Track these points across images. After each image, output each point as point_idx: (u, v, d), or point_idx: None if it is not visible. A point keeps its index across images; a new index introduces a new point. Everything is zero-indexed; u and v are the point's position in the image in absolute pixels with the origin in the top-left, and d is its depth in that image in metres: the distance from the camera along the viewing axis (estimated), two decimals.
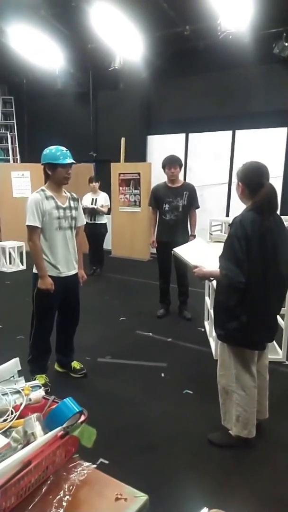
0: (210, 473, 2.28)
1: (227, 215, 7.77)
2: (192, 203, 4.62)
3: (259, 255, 2.19)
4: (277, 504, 2.07)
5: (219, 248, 2.78)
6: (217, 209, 7.79)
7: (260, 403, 2.54)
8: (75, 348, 3.42)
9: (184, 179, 7.37)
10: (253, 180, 2.28)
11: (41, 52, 7.82)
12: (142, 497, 1.13)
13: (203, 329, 4.41)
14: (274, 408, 2.68)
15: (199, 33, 6.84)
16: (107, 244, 8.44)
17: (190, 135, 8.15)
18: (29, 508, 1.11)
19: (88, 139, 8.97)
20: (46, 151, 2.97)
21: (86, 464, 1.28)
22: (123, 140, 8.23)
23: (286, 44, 6.49)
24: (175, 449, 2.49)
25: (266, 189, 2.22)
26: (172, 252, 2.80)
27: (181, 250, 2.80)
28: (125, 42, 7.08)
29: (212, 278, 2.56)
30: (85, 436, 1.29)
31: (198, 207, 4.70)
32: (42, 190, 2.99)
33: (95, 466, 1.29)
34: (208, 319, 4.30)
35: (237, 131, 7.63)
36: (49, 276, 2.98)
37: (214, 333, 3.79)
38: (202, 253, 2.86)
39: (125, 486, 1.19)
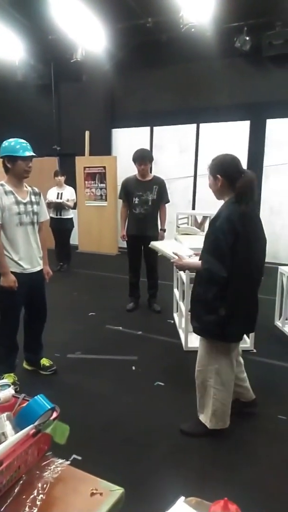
0: (186, 463, 2.31)
1: (193, 208, 7.85)
2: (162, 197, 4.63)
3: (244, 249, 2.18)
4: (253, 490, 2.11)
5: (191, 245, 2.84)
6: (183, 202, 7.85)
7: (241, 386, 2.63)
8: (43, 345, 3.35)
9: (150, 172, 7.37)
10: (231, 170, 2.29)
11: None
12: (117, 491, 1.12)
13: (172, 321, 4.44)
14: None
15: (162, 26, 6.81)
16: (74, 239, 8.34)
17: (155, 128, 8.14)
18: (1, 510, 1.07)
19: (51, 132, 8.79)
20: (5, 143, 2.87)
21: (60, 461, 1.26)
22: (87, 133, 8.12)
23: (247, 38, 6.59)
24: (149, 441, 2.50)
25: (247, 176, 2.25)
26: (149, 245, 2.80)
27: (158, 244, 2.84)
28: (87, 33, 6.95)
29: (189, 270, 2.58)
30: (58, 433, 1.26)
31: (168, 201, 4.71)
32: (1, 184, 2.90)
33: (68, 462, 1.26)
34: (177, 311, 4.34)
35: (201, 124, 7.69)
36: (13, 273, 2.89)
37: (183, 325, 3.84)
38: (177, 248, 2.91)
39: (100, 480, 1.17)
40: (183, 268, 2.61)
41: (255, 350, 3.74)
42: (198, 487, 2.03)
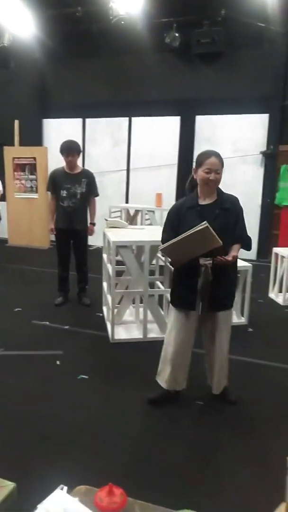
0: (105, 456, 2.32)
1: (127, 201, 7.88)
2: (91, 190, 4.58)
3: None
4: (170, 475, 2.17)
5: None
6: (117, 195, 7.85)
7: (208, 368, 2.85)
8: None
9: (83, 165, 7.27)
10: None
11: None
12: (9, 485, 1.09)
13: (101, 314, 4.44)
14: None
15: (92, 16, 6.72)
16: (3, 232, 8.03)
17: (88, 120, 8.04)
18: None
19: None
20: None
21: None
22: (16, 122, 7.82)
23: (177, 34, 6.71)
24: (65, 436, 2.48)
25: None
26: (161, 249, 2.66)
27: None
28: (14, 18, 6.67)
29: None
30: None
31: (97, 194, 4.67)
32: None
33: None
34: (106, 304, 4.34)
35: (133, 118, 7.72)
36: None
37: (111, 317, 3.85)
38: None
39: None
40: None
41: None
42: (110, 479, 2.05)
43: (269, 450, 2.36)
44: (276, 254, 5.19)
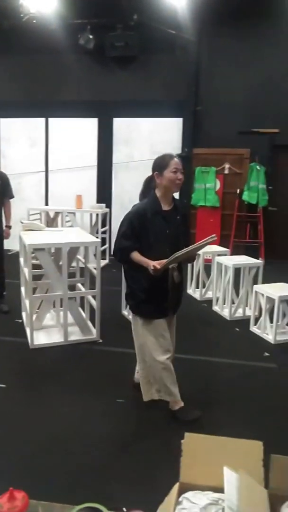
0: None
1: (46, 203, 7.72)
2: (5, 192, 4.42)
3: None
4: (96, 475, 2.19)
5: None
6: (36, 198, 7.66)
7: None
8: None
9: None
10: None
11: None
12: None
13: (20, 320, 4.31)
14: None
15: (2, 12, 6.48)
16: None
17: (2, 120, 7.73)
18: None
19: None
20: None
21: None
22: None
23: (91, 36, 6.71)
24: None
25: None
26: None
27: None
28: None
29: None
30: None
31: (12, 196, 4.52)
32: None
33: None
34: (25, 309, 4.22)
35: (50, 119, 7.58)
36: None
37: (30, 323, 3.75)
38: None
39: None
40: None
41: (101, 340, 3.87)
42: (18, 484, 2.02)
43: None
44: None
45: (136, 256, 2.47)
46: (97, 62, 7.15)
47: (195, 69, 6.98)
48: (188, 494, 1.03)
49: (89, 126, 7.44)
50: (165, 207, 2.54)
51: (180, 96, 7.04)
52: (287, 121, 6.60)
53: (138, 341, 2.65)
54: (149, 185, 2.61)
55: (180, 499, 1.03)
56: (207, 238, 2.33)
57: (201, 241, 2.36)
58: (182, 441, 1.14)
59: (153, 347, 2.56)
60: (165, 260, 2.35)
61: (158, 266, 2.34)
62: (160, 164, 2.49)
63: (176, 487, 1.05)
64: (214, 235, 2.36)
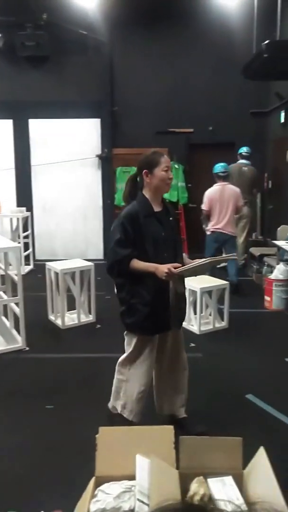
0: None
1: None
2: None
3: None
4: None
5: None
6: None
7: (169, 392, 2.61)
8: None
9: None
10: None
11: None
12: None
13: None
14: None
15: None
16: None
17: None
18: None
19: None
20: None
21: None
22: None
23: (0, 35, 6.48)
24: None
25: None
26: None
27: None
28: None
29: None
30: None
31: None
32: None
33: None
34: None
35: None
36: None
37: None
38: None
39: None
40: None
41: (28, 348, 3.77)
42: None
43: None
44: None
45: (136, 264, 2.19)
46: (8, 61, 6.91)
47: (109, 70, 7.03)
48: (103, 486, 1.05)
49: (3, 127, 7.17)
50: (157, 208, 2.34)
51: (96, 97, 7.04)
52: (200, 121, 6.92)
53: (130, 361, 2.40)
54: (135, 185, 2.39)
55: (96, 492, 1.05)
56: (230, 254, 2.35)
57: (222, 257, 2.35)
58: (96, 435, 1.16)
59: (141, 380, 2.36)
60: (179, 265, 2.15)
61: (174, 270, 2.10)
62: (150, 162, 2.27)
63: (92, 482, 1.06)
64: (234, 253, 2.34)
